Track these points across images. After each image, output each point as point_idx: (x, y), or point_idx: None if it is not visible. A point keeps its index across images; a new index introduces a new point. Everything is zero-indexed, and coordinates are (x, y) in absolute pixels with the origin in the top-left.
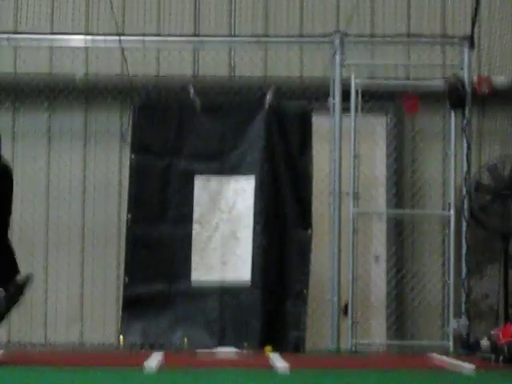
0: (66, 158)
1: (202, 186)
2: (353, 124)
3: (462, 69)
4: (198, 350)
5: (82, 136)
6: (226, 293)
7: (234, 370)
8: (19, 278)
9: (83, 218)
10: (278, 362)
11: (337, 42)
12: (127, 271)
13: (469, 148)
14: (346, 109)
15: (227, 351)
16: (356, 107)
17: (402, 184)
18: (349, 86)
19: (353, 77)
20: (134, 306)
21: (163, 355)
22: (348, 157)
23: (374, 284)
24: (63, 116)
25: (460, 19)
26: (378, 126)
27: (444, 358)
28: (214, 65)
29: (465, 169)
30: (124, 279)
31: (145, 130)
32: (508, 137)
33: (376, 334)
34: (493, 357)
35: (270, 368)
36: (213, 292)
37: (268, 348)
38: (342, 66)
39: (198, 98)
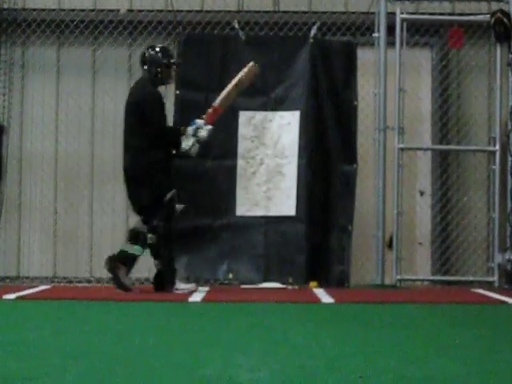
0: (111, 92)
1: (247, 121)
2: (398, 57)
3: (507, 2)
4: (243, 286)
5: (127, 70)
6: (271, 227)
7: (280, 304)
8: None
9: None
10: (324, 297)
11: None
12: None
13: None
14: (390, 43)
15: (272, 286)
16: (401, 41)
17: (447, 119)
18: (393, 20)
19: (398, 10)
20: (178, 240)
21: (208, 289)
22: (393, 91)
23: (418, 219)
24: (108, 51)
25: None
26: (423, 60)
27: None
28: None
29: (510, 103)
30: None
31: (189, 64)
32: None
33: (421, 269)
34: None
35: (315, 302)
36: (258, 227)
37: (313, 283)
38: (387, 0)
39: (242, 32)
